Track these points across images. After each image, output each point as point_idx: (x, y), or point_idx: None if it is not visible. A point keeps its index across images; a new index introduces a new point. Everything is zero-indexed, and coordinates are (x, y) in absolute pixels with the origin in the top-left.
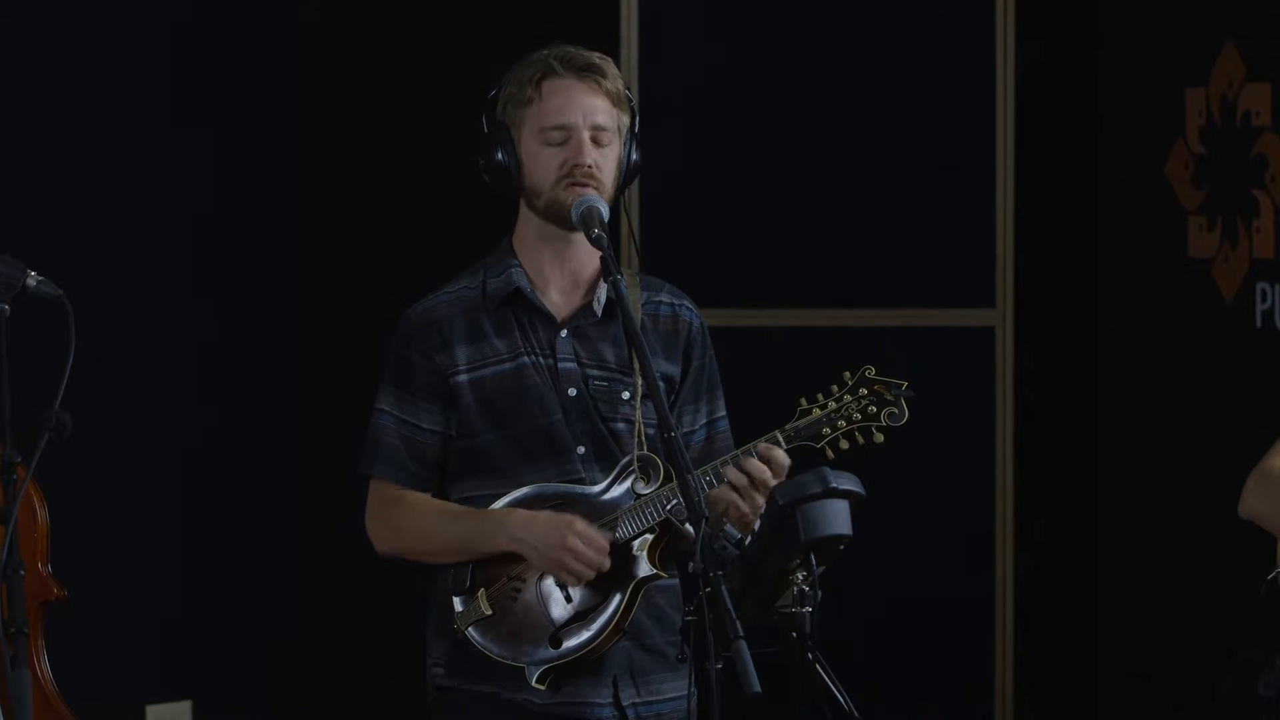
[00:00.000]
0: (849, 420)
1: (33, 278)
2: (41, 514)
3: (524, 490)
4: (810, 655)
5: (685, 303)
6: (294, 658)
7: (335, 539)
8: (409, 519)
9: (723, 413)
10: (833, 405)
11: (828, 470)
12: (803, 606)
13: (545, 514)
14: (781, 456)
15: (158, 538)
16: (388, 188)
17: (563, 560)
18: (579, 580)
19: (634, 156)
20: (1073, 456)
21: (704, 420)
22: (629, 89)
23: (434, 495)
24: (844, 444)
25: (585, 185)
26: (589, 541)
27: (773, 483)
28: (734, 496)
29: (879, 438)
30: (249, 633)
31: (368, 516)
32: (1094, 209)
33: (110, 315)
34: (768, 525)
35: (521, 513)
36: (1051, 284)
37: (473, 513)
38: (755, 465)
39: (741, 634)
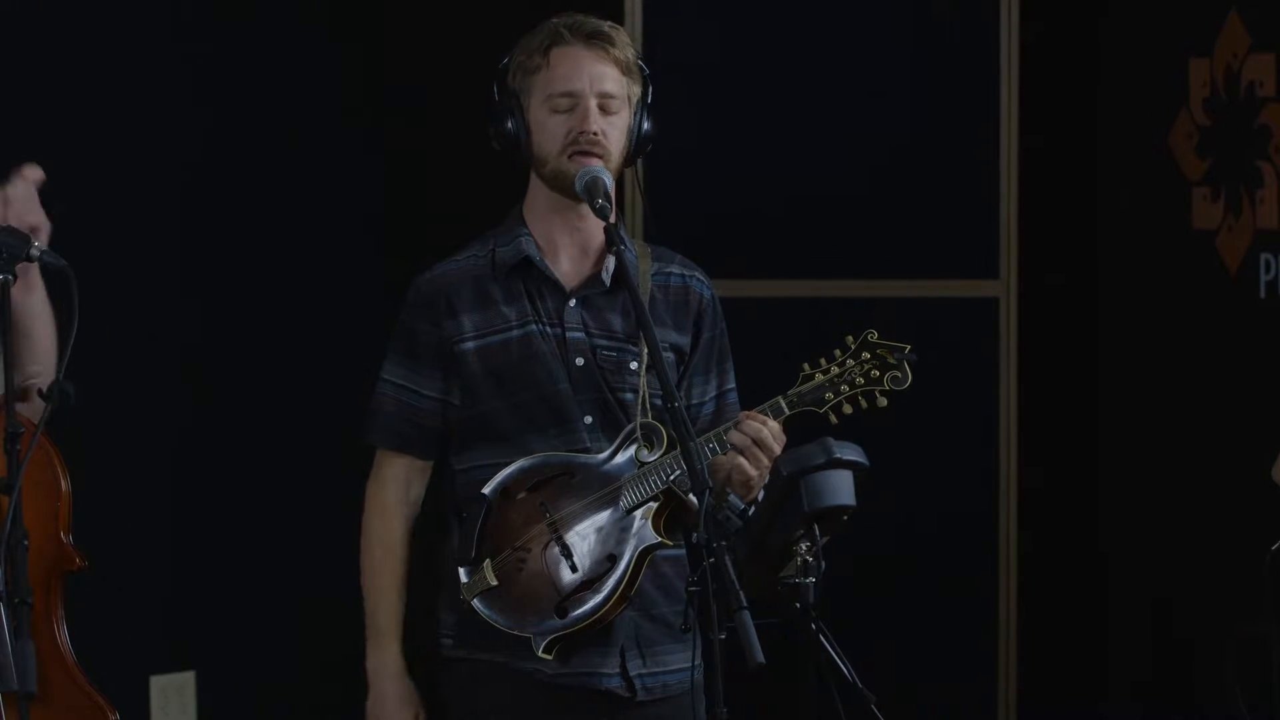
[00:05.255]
0: (852, 385)
1: (36, 248)
2: (64, 483)
3: (528, 460)
4: (814, 626)
5: (697, 274)
6: (297, 629)
7: (338, 512)
8: (372, 544)
9: (732, 385)
10: (835, 370)
11: (831, 441)
12: (806, 577)
13: (402, 690)
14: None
15: (161, 509)
16: (389, 163)
17: None
18: None
19: (646, 126)
20: (1076, 428)
21: (714, 392)
22: (641, 59)
23: (436, 465)
24: (847, 408)
25: (590, 154)
26: None
27: (773, 443)
28: (739, 459)
29: (882, 402)
30: (252, 604)
31: (368, 482)
32: (1097, 180)
33: (113, 286)
34: (771, 496)
35: (393, 672)
36: (1055, 255)
37: (381, 624)
38: (752, 426)
39: (745, 605)
